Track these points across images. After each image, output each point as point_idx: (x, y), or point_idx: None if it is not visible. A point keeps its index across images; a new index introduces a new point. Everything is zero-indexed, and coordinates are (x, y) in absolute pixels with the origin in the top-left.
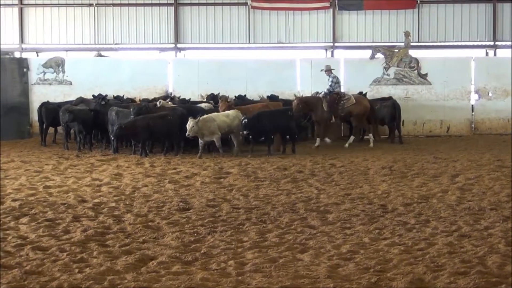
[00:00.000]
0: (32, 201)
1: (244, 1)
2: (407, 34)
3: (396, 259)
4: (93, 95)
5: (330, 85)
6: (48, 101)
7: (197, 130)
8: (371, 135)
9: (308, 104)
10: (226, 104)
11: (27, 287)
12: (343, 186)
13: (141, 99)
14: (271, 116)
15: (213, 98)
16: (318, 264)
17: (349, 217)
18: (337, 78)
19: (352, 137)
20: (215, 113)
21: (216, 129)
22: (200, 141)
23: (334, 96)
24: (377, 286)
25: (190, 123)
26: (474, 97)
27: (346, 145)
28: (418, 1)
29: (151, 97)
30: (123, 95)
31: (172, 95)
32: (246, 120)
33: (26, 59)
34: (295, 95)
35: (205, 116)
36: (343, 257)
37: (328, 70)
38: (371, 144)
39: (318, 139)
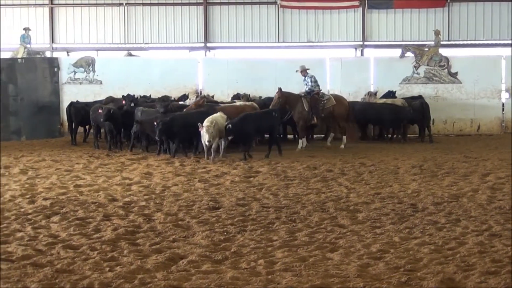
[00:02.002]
0: (63, 200)
1: (274, 0)
2: (437, 33)
3: (427, 258)
4: (122, 95)
5: (311, 85)
6: (77, 101)
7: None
8: (332, 134)
9: (288, 100)
10: (198, 102)
11: (58, 285)
12: (373, 185)
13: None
14: (255, 119)
15: (239, 98)
16: (348, 263)
17: (379, 216)
18: (315, 77)
19: (332, 135)
20: (215, 115)
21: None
22: (208, 144)
23: (315, 96)
24: (407, 285)
25: (209, 129)
26: (504, 96)
27: (328, 143)
28: (448, 0)
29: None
30: (150, 95)
31: (202, 94)
32: (230, 125)
33: (56, 58)
34: (279, 88)
35: (213, 118)
36: (373, 256)
37: (304, 71)
38: (328, 143)
39: (300, 140)
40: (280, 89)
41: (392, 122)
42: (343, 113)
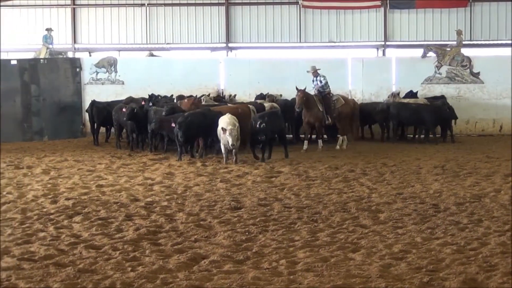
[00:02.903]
0: (85, 200)
1: (295, 0)
2: (459, 33)
3: (449, 258)
4: (149, 95)
5: (322, 86)
6: (95, 100)
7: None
8: (345, 136)
9: (307, 101)
10: (191, 102)
11: (81, 285)
12: (395, 185)
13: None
14: (272, 118)
15: (262, 98)
16: (370, 264)
17: (401, 217)
18: (326, 78)
19: (341, 138)
20: (231, 116)
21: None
22: (231, 147)
23: (328, 96)
24: (429, 286)
25: (232, 132)
26: None
27: (337, 147)
28: (470, 0)
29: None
30: (172, 95)
31: (223, 94)
32: (264, 124)
33: (79, 59)
34: (296, 88)
35: (233, 120)
36: (395, 256)
37: (315, 71)
38: (344, 146)
39: (319, 141)
40: (303, 89)
41: (434, 122)
42: (349, 113)
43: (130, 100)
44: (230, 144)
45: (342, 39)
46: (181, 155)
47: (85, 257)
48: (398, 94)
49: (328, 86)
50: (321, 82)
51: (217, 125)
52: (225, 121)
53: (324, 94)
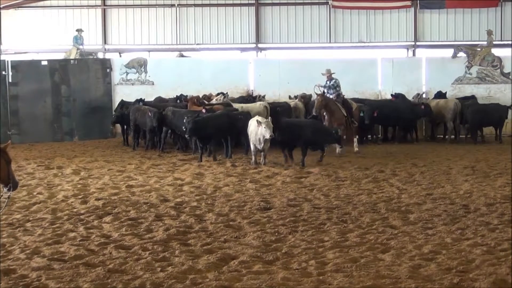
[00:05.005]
0: (115, 200)
1: (325, 1)
2: (489, 33)
3: (479, 259)
4: (177, 96)
5: (330, 86)
6: (123, 100)
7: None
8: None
9: (327, 104)
10: (193, 102)
11: (110, 285)
12: (425, 186)
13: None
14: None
15: (302, 97)
16: (400, 264)
17: (430, 217)
18: (339, 81)
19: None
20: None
21: None
22: (256, 146)
23: (346, 99)
24: (459, 286)
25: (269, 124)
26: None
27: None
28: None
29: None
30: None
31: (253, 94)
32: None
33: (109, 59)
34: (315, 92)
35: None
36: (424, 257)
37: (329, 74)
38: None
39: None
40: (322, 93)
41: (502, 121)
42: (358, 116)
43: (159, 100)
44: (268, 135)
45: (372, 39)
46: (201, 156)
47: (115, 257)
48: (422, 95)
49: (340, 88)
50: (333, 85)
51: (235, 126)
52: (259, 118)
53: (343, 99)
